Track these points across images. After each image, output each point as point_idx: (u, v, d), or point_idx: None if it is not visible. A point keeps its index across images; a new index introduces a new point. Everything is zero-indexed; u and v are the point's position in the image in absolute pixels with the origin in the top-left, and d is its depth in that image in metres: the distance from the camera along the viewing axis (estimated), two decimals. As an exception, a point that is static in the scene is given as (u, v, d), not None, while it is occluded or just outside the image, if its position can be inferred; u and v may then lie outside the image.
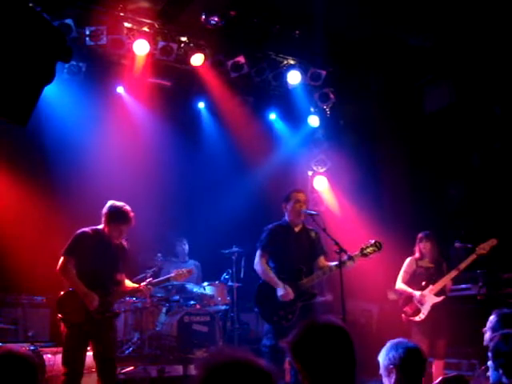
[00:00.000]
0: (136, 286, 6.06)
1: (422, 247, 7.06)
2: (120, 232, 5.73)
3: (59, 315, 5.49)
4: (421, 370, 3.44)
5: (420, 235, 7.12)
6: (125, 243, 5.94)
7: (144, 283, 6.03)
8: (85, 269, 5.58)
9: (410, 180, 9.49)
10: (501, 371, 3.61)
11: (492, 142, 8.59)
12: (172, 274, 6.24)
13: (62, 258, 5.56)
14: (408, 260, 7.17)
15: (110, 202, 5.78)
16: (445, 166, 9.33)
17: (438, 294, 6.82)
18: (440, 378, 4.64)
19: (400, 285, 7.07)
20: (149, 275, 7.56)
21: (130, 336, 8.28)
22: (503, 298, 7.32)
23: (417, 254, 7.12)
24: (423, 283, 6.89)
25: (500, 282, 7.50)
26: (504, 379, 3.56)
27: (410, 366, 3.37)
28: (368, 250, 5.97)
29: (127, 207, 5.75)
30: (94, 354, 5.63)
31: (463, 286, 7.85)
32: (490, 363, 3.75)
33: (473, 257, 6.74)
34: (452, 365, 7.37)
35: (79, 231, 5.68)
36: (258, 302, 6.26)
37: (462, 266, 6.77)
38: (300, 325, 2.72)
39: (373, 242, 6.00)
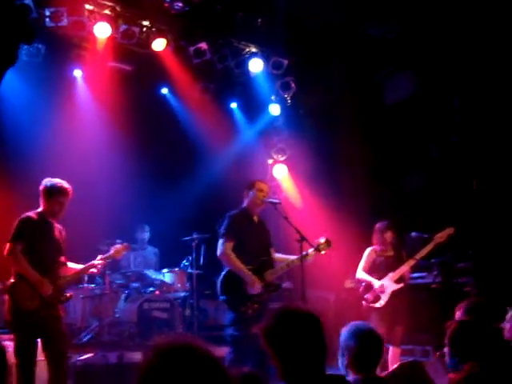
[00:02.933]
0: (80, 266, 5.92)
1: (384, 237, 7.15)
2: (61, 206, 5.66)
3: (12, 303, 5.36)
4: (377, 355, 3.49)
5: (380, 225, 7.21)
6: (60, 226, 5.84)
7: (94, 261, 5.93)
8: (33, 254, 5.45)
9: (369, 170, 9.61)
10: (457, 358, 3.73)
11: (449, 135, 8.77)
12: (111, 252, 6.11)
13: (9, 245, 5.41)
14: (368, 250, 7.23)
15: (45, 180, 5.70)
16: (404, 157, 9.48)
17: (397, 282, 6.97)
18: (397, 364, 4.78)
19: (360, 273, 7.16)
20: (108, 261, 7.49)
21: (89, 323, 8.23)
22: (458, 287, 7.55)
23: (375, 245, 7.23)
24: (384, 272, 7.03)
25: (455, 272, 7.71)
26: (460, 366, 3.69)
27: (366, 353, 3.43)
28: (321, 246, 6.18)
29: (63, 181, 5.70)
30: (43, 344, 5.48)
31: (418, 274, 8.04)
32: (445, 350, 3.87)
33: (431, 245, 6.89)
34: (406, 351, 7.55)
35: (24, 216, 5.56)
36: (225, 290, 6.19)
37: (421, 254, 6.92)
38: (272, 311, 2.79)
39: (324, 239, 6.22)
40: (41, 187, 5.67)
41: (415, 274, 7.95)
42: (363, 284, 7.11)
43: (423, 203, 9.00)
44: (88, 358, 7.01)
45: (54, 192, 5.62)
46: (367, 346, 3.38)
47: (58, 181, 5.68)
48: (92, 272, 6.15)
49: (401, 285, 6.95)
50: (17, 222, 5.51)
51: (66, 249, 5.87)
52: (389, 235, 7.13)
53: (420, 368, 4.55)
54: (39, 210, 5.68)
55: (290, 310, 2.79)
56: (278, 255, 6.51)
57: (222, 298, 6.26)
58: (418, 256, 6.93)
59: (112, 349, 7.40)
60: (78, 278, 6.40)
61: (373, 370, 3.42)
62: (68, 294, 5.76)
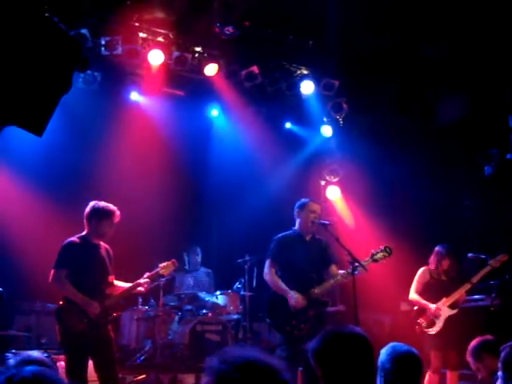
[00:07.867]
0: (128, 284, 5.93)
1: (441, 263, 7.00)
2: (111, 225, 5.76)
3: (61, 326, 5.50)
4: (413, 380, 3.31)
5: (440, 250, 7.06)
6: (107, 246, 5.93)
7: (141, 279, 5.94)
8: (79, 277, 5.58)
9: (422, 191, 9.45)
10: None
11: (504, 154, 8.55)
12: (158, 269, 6.11)
13: (53, 271, 5.56)
14: (421, 270, 7.12)
15: (92, 203, 5.80)
16: (457, 177, 9.30)
17: (451, 307, 6.79)
18: None
19: (414, 295, 7.03)
20: (162, 284, 7.58)
21: (143, 344, 8.31)
22: (517, 310, 7.29)
23: (432, 266, 7.08)
24: (437, 295, 6.86)
25: (514, 294, 7.46)
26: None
27: (402, 377, 3.26)
28: (378, 255, 6.01)
29: (109, 204, 5.80)
30: (95, 365, 5.59)
31: (476, 296, 7.81)
32: (500, 374, 3.73)
33: (485, 270, 6.74)
34: (465, 376, 7.31)
35: (66, 242, 5.70)
36: (270, 313, 6.27)
37: (475, 278, 6.78)
38: (324, 332, 2.78)
39: (383, 247, 6.04)
40: (88, 209, 5.78)
41: (474, 297, 7.74)
42: (416, 307, 6.95)
43: (478, 224, 8.76)
44: (141, 379, 7.08)
45: (103, 214, 5.73)
46: (403, 371, 3.23)
47: (105, 204, 5.79)
48: (139, 291, 6.11)
49: (456, 310, 6.77)
50: (59, 249, 5.66)
51: (114, 268, 5.94)
52: (447, 262, 6.97)
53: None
54: (83, 233, 5.79)
55: (342, 331, 2.76)
56: (341, 271, 6.29)
57: (267, 321, 6.30)
58: (474, 280, 6.77)
59: (165, 370, 7.46)
60: (126, 296, 6.41)
61: None
62: (115, 314, 5.85)
